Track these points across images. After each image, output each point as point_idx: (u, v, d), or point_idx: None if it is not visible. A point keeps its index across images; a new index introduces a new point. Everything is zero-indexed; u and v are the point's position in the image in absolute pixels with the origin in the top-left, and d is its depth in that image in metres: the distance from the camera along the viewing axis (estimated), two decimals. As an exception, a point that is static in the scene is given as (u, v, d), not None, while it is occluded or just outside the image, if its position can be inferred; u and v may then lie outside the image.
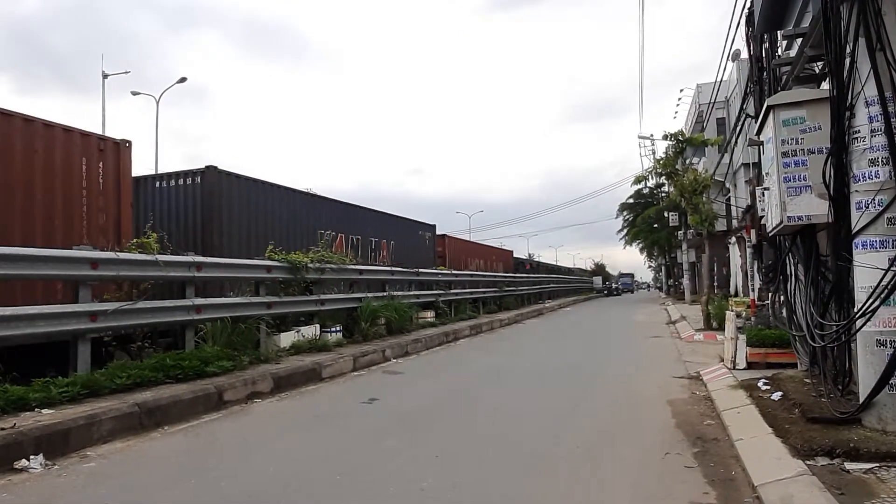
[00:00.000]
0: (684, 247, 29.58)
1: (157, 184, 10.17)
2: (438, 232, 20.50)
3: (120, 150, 7.97)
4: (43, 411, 4.82)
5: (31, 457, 4.13)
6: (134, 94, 30.67)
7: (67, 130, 7.30)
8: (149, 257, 6.88)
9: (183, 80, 30.39)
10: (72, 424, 4.56)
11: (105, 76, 28.70)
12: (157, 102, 29.95)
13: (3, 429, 4.23)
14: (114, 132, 34.03)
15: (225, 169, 10.25)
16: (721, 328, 11.01)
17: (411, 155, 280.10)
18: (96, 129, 20.36)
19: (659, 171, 26.49)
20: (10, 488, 3.71)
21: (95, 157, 7.58)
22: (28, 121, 6.87)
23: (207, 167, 10.06)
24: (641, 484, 3.66)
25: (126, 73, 40.64)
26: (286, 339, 8.85)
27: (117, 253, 6.57)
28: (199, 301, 7.44)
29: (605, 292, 58.16)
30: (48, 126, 7.06)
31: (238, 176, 10.59)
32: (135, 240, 7.08)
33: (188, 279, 7.41)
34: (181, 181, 10.12)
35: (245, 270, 8.70)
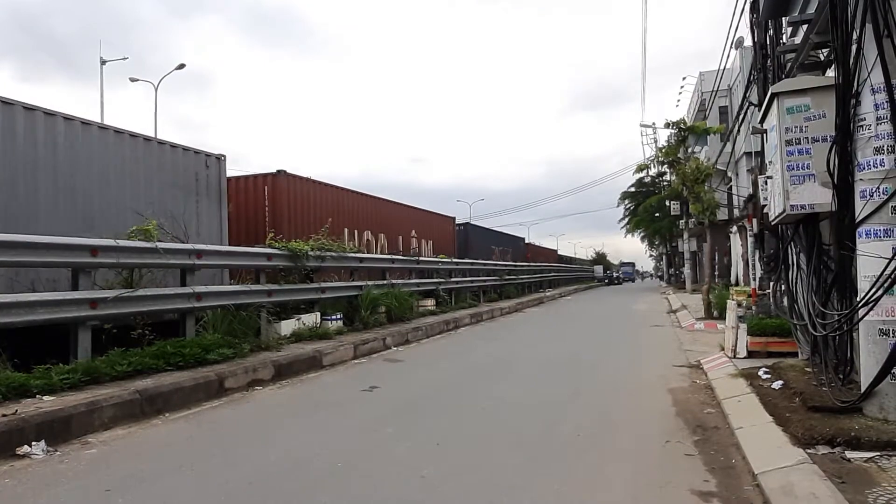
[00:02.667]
0: (685, 236, 29.51)
1: (457, 228, 21.96)
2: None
3: (454, 222, 20.28)
4: (44, 398, 4.83)
5: (33, 443, 4.14)
6: (132, 80, 30.52)
7: (442, 216, 19.31)
8: (149, 244, 6.85)
9: (181, 66, 30.22)
10: (73, 411, 4.57)
11: (103, 62, 28.61)
12: (156, 89, 29.86)
13: (4, 415, 4.25)
14: (113, 120, 33.91)
15: (470, 223, 25.60)
16: (722, 317, 10.99)
17: (414, 143, 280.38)
18: (95, 116, 20.23)
19: (661, 159, 26.38)
20: (13, 474, 3.72)
21: (449, 227, 19.82)
22: (402, 205, 17.05)
23: (466, 223, 24.12)
24: (642, 471, 3.66)
25: (124, 59, 40.11)
26: (287, 326, 8.86)
27: (117, 240, 6.55)
28: (200, 289, 7.43)
29: (606, 281, 58.15)
30: (413, 208, 17.75)
31: (475, 226, 25.84)
32: (134, 227, 7.05)
33: (188, 266, 7.40)
34: (458, 228, 22.19)
35: (246, 258, 8.69)
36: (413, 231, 17.33)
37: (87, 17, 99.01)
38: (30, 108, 6.99)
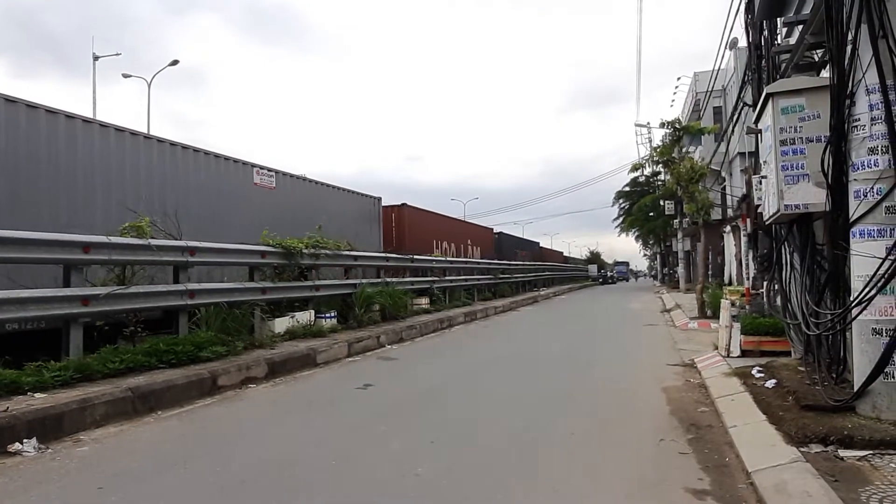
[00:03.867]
0: (680, 235, 29.60)
1: (497, 234, 29.70)
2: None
3: (492, 231, 28.55)
4: (36, 395, 4.80)
5: (25, 440, 4.11)
6: (125, 76, 30.37)
7: (486, 228, 27.63)
8: (141, 241, 6.81)
9: (175, 62, 30.11)
10: (65, 409, 4.54)
11: (96, 58, 28.38)
12: (149, 85, 29.64)
13: (-5, 413, 4.21)
14: (106, 116, 33.73)
15: (504, 232, 32.31)
16: (715, 316, 11.02)
17: (411, 141, 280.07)
18: (87, 112, 20.17)
19: (656, 159, 26.47)
20: (4, 471, 3.69)
21: (490, 236, 27.34)
22: (464, 222, 26.78)
23: (500, 232, 30.50)
24: (636, 470, 3.66)
25: (117, 55, 40.21)
26: (281, 324, 8.83)
27: (109, 237, 6.51)
28: (193, 286, 7.39)
29: (601, 280, 58.22)
30: (470, 224, 27.09)
31: (507, 234, 32.64)
32: (127, 223, 7.00)
33: (181, 263, 7.36)
34: (495, 236, 28.45)
35: (240, 255, 8.66)
36: (469, 240, 23.54)
37: (82, 14, 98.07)
38: (305, 179, 13.03)
